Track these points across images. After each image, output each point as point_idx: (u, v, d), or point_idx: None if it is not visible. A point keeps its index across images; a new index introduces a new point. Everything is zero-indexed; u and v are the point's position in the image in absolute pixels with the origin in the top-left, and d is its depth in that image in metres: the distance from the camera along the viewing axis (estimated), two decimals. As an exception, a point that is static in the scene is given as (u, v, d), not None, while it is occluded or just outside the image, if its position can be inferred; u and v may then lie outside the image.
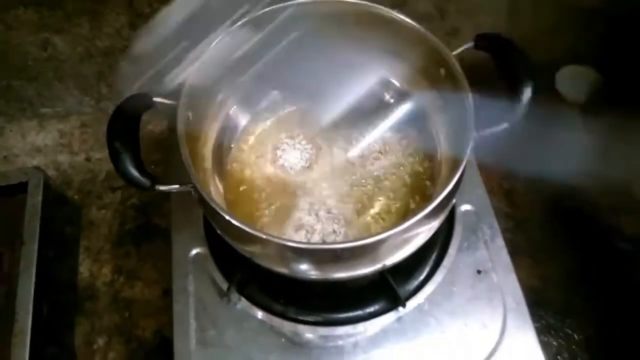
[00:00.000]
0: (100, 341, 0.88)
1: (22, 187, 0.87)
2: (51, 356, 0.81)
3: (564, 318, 0.87)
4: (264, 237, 0.55)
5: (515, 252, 0.73)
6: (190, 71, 0.64)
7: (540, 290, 0.89)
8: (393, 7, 0.69)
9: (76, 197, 1.03)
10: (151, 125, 1.08)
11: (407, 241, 0.60)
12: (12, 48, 0.95)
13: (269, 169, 0.74)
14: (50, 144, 1.10)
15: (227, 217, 0.56)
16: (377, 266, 0.61)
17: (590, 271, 0.91)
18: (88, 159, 1.08)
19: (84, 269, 0.95)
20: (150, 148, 0.95)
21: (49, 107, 1.09)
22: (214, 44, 0.66)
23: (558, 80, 1.10)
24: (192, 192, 0.61)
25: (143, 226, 0.99)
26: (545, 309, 0.87)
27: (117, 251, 0.96)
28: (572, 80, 1.10)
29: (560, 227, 0.95)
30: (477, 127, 0.59)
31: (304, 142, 0.76)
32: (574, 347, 0.85)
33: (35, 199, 0.85)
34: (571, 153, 0.93)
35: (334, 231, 0.69)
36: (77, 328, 0.89)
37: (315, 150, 0.76)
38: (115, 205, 1.02)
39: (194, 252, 0.75)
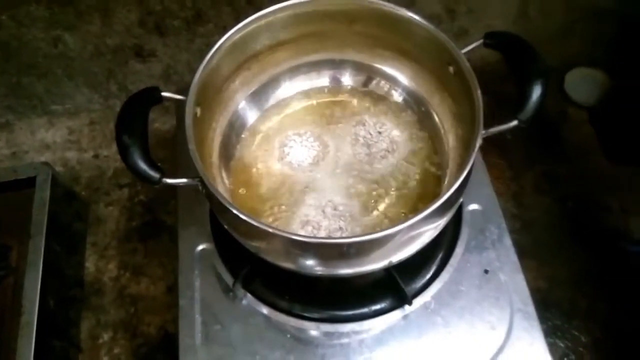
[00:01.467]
0: (106, 336, 0.88)
1: (30, 182, 0.88)
2: (57, 349, 0.81)
3: (571, 320, 0.86)
4: (271, 230, 0.55)
5: (521, 254, 0.73)
6: (201, 66, 0.64)
7: (547, 291, 0.88)
8: (401, 7, 0.69)
9: (84, 193, 1.04)
10: (158, 123, 1.09)
11: (413, 238, 0.60)
12: (23, 45, 0.96)
13: (276, 166, 0.74)
14: (59, 141, 1.11)
15: (235, 211, 0.56)
16: (384, 263, 0.61)
17: (597, 273, 0.90)
18: (96, 156, 1.09)
19: (91, 264, 0.95)
20: (157, 146, 0.95)
21: (59, 104, 1.10)
22: (223, 39, 0.66)
23: (567, 82, 1.10)
24: (199, 186, 0.61)
25: (150, 223, 0.99)
26: (552, 311, 0.87)
27: (124, 247, 0.97)
28: (582, 82, 1.10)
29: (568, 228, 0.95)
30: (486, 125, 0.59)
31: (310, 139, 0.76)
32: (580, 349, 0.84)
33: (43, 194, 0.86)
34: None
35: (340, 228, 0.68)
36: (83, 322, 0.90)
37: (322, 147, 0.76)
38: (123, 202, 1.02)
39: (200, 247, 0.75)
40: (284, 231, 0.56)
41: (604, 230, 0.95)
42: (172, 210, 0.97)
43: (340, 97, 0.80)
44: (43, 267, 0.79)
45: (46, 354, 0.76)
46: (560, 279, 0.90)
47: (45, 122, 1.12)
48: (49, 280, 0.80)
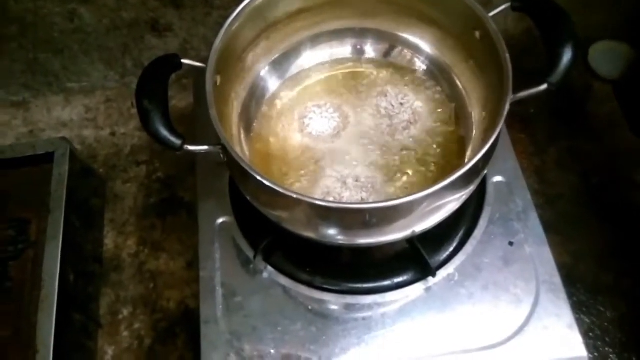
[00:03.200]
0: (125, 311, 0.88)
1: (48, 158, 0.87)
2: (77, 323, 0.81)
3: (596, 295, 0.85)
4: (294, 196, 0.54)
5: (545, 229, 0.71)
6: (221, 32, 0.63)
7: (572, 267, 0.87)
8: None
9: (101, 170, 1.03)
10: (175, 100, 1.08)
11: (438, 208, 0.59)
12: (40, 19, 0.95)
13: (296, 137, 0.73)
14: (76, 119, 1.10)
15: (258, 177, 0.55)
16: (407, 232, 0.60)
17: (622, 248, 0.89)
18: (113, 134, 1.08)
19: (109, 240, 0.95)
20: (175, 123, 0.95)
21: (75, 81, 1.10)
22: (243, 4, 0.65)
23: (591, 55, 1.07)
24: (221, 154, 0.60)
25: (168, 199, 0.99)
26: (577, 286, 0.85)
27: (142, 224, 0.97)
28: (606, 55, 1.07)
29: (591, 203, 0.93)
30: (514, 89, 0.57)
31: (331, 110, 0.75)
32: (606, 324, 0.83)
33: (61, 169, 0.86)
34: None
35: (363, 199, 0.67)
36: (103, 299, 0.90)
37: (342, 118, 0.74)
38: (141, 179, 1.02)
39: (220, 220, 0.74)
40: (307, 196, 0.55)
41: (629, 205, 0.93)
42: (190, 186, 0.97)
43: (362, 68, 0.79)
44: (62, 241, 0.79)
45: (66, 327, 0.76)
46: (585, 255, 0.88)
47: (62, 100, 1.12)
48: (68, 255, 0.80)
